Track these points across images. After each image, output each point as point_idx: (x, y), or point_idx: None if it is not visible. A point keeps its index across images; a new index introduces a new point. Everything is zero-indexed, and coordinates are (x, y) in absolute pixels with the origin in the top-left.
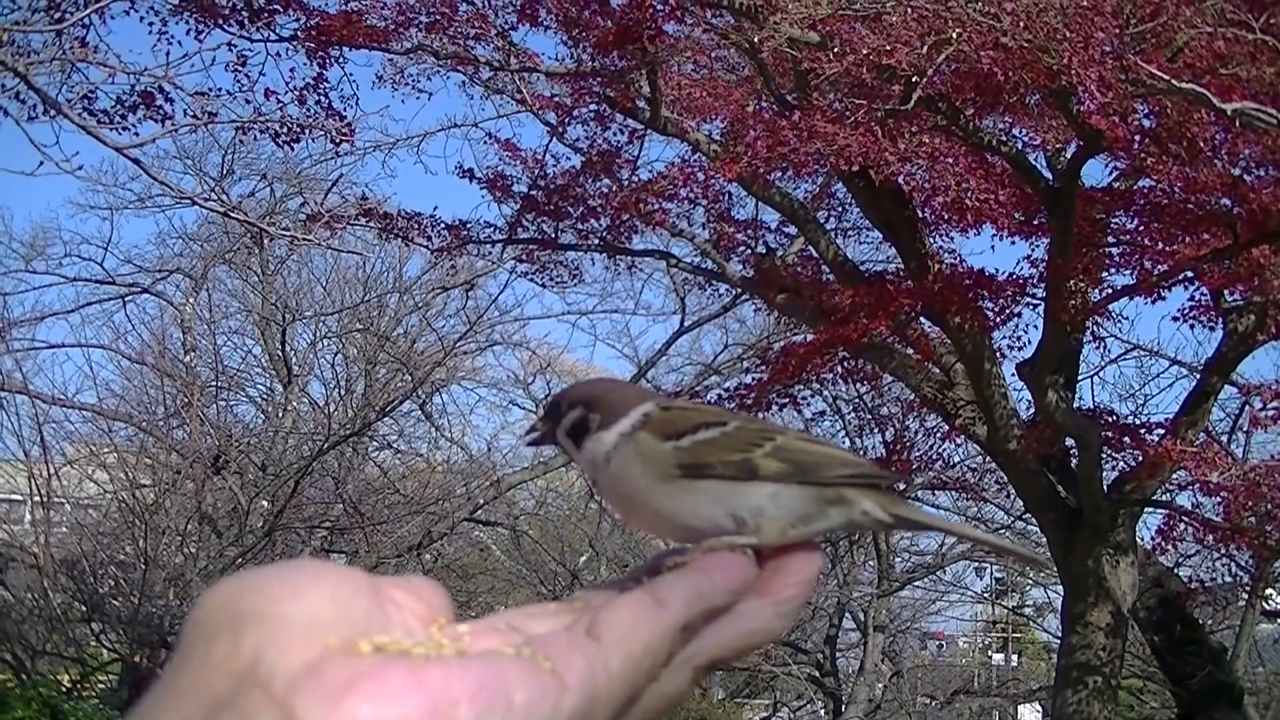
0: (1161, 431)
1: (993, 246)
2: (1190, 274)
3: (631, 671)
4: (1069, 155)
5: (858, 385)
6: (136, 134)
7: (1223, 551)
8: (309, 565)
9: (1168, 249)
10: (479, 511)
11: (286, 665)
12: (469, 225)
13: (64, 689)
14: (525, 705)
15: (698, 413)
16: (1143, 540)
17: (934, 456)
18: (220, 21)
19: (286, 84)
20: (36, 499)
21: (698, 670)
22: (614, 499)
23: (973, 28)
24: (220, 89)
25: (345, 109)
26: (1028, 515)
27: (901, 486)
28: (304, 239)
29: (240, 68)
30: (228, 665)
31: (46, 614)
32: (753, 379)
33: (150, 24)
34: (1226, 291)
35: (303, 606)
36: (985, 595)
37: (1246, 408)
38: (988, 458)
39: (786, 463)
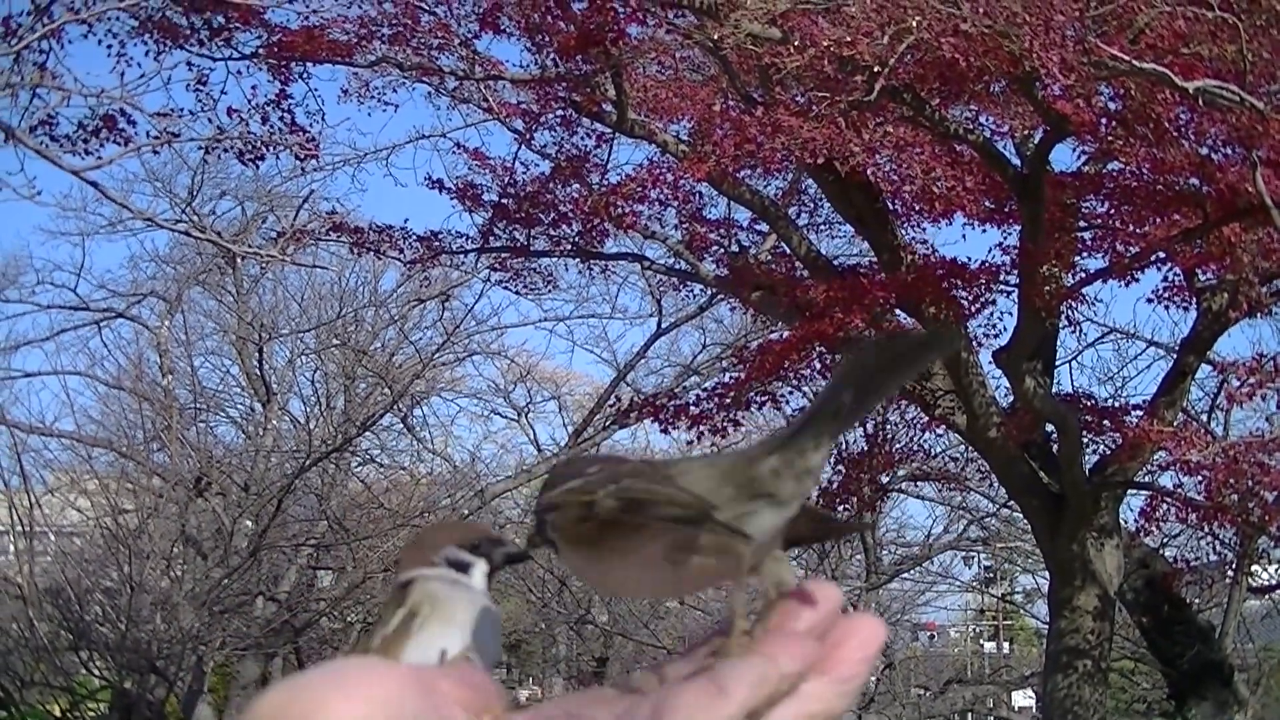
0: (1140, 413)
1: (964, 236)
2: (1162, 255)
3: None
4: (1036, 141)
5: None
6: (99, 158)
7: (1206, 530)
8: (355, 665)
9: (1139, 231)
10: None
11: None
12: (441, 236)
13: (55, 718)
14: None
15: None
16: (1126, 522)
17: (915, 448)
18: (180, 41)
19: (249, 101)
20: (18, 529)
21: None
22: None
23: (932, 15)
24: (182, 109)
25: (311, 124)
26: (1012, 502)
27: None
28: (269, 255)
29: (201, 86)
30: None
31: (33, 644)
32: (731, 378)
33: (109, 47)
34: (1199, 271)
35: (353, 709)
36: (974, 584)
37: (1224, 386)
38: (969, 447)
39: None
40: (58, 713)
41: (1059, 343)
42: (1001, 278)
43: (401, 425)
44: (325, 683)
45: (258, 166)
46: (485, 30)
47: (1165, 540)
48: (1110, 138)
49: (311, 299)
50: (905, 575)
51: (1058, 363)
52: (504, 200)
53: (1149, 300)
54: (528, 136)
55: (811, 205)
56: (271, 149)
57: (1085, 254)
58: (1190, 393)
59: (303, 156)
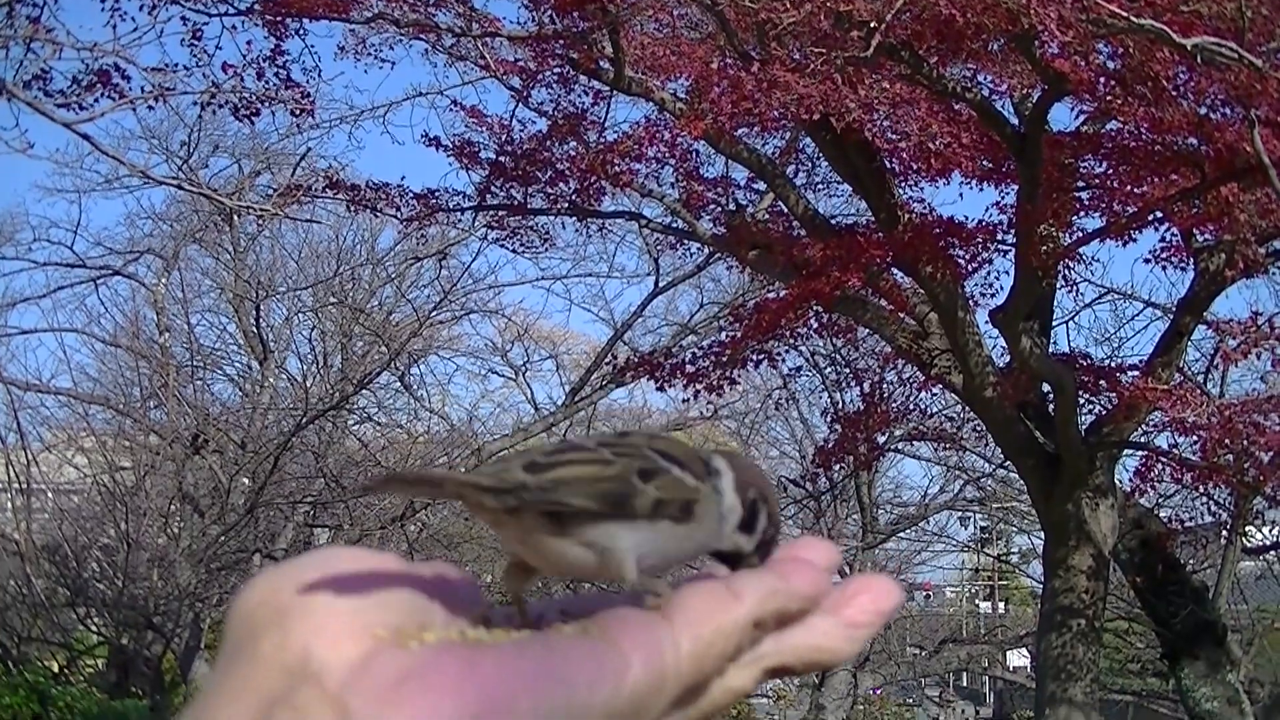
0: (1136, 373)
1: (961, 195)
2: (1160, 215)
3: (701, 654)
4: (1035, 100)
5: (833, 339)
6: (92, 112)
7: (1201, 491)
8: (344, 553)
9: (1137, 191)
10: None
11: (337, 659)
12: (438, 194)
13: (52, 674)
14: (588, 686)
15: None
16: (1121, 483)
17: (911, 407)
18: None
19: (244, 57)
20: (16, 486)
21: (765, 672)
22: None
23: None
24: (177, 65)
25: (307, 81)
26: (1008, 462)
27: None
28: (262, 208)
29: (195, 41)
30: (278, 660)
31: (30, 600)
32: (728, 336)
33: (103, 1)
34: (1196, 231)
35: (344, 596)
36: (970, 544)
37: (1221, 346)
38: (965, 407)
39: None
40: (55, 668)
41: (1056, 303)
42: (999, 237)
43: (399, 383)
44: (314, 569)
45: (253, 123)
46: None
47: (1160, 501)
48: (1108, 96)
49: (309, 257)
50: (901, 535)
51: (1054, 323)
52: (501, 158)
53: (1146, 260)
54: (525, 94)
55: (809, 164)
56: (267, 105)
57: (1083, 214)
58: (1187, 353)
59: (298, 112)
